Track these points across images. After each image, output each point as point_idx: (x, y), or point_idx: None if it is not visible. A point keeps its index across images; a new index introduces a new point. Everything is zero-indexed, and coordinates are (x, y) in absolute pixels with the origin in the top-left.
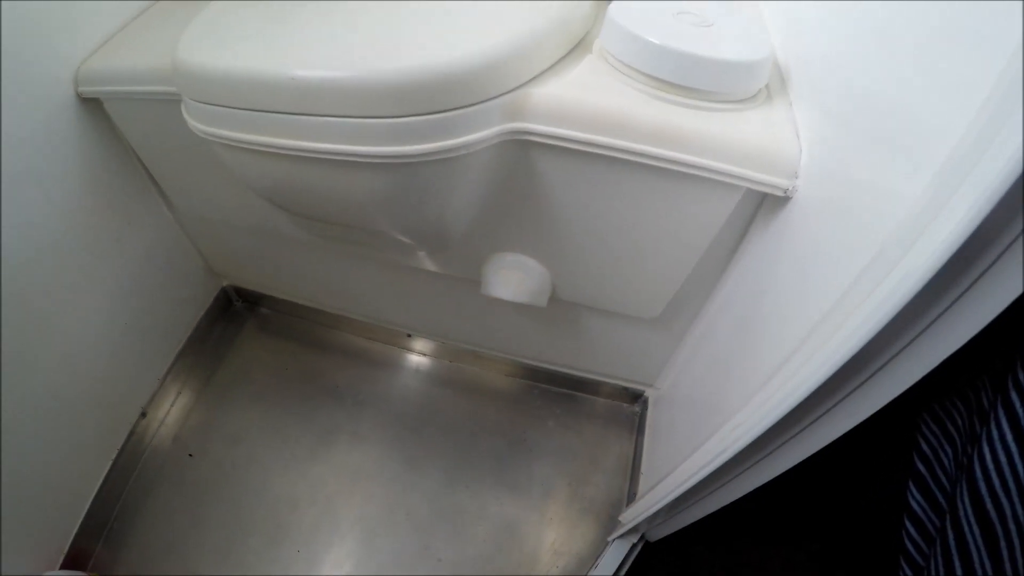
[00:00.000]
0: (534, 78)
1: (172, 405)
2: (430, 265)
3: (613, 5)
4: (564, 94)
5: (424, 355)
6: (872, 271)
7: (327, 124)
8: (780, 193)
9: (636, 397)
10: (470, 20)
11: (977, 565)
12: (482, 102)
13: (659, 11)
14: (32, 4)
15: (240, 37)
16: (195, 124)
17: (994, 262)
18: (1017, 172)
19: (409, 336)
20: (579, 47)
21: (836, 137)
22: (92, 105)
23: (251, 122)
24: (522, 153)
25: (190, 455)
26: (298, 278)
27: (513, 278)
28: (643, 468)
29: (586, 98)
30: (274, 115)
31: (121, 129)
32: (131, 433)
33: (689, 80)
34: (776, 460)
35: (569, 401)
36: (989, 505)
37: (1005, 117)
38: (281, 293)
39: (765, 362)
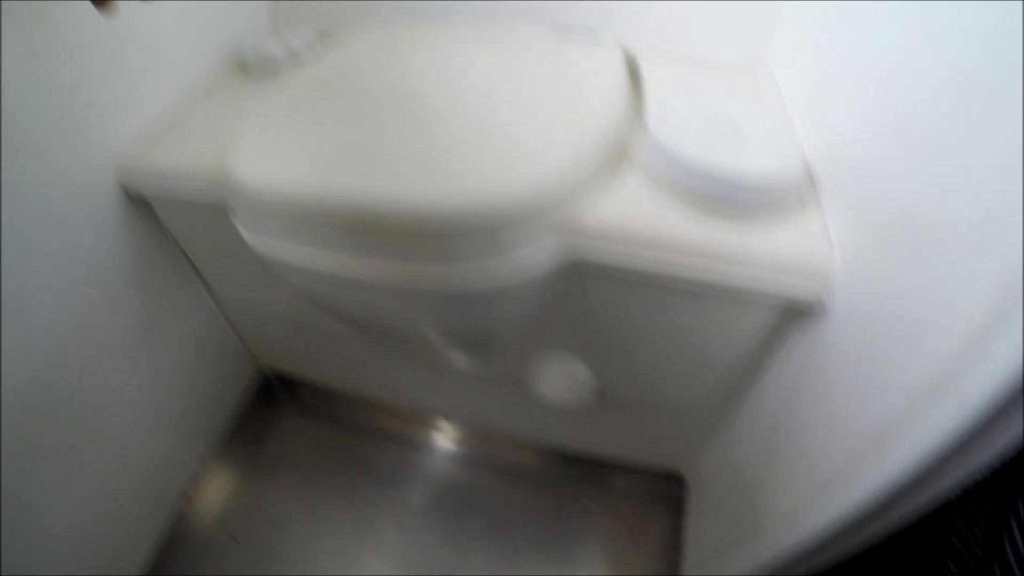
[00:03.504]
0: (581, 196)
1: (214, 488)
2: (475, 367)
3: (651, 114)
4: (611, 213)
5: (464, 440)
6: (921, 402)
7: (383, 245)
8: (813, 305)
9: (673, 479)
10: (522, 141)
11: None
12: (534, 226)
13: (692, 118)
14: (73, 98)
15: (294, 154)
16: (250, 238)
17: None
18: None
19: (448, 422)
20: (617, 149)
21: (871, 246)
22: (137, 198)
23: (306, 241)
24: (570, 270)
25: (233, 538)
26: (338, 365)
27: (559, 380)
28: (687, 551)
29: (630, 217)
30: (330, 236)
31: (166, 224)
32: (174, 516)
33: (723, 196)
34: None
35: (606, 482)
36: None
37: None
38: (321, 378)
39: (804, 478)
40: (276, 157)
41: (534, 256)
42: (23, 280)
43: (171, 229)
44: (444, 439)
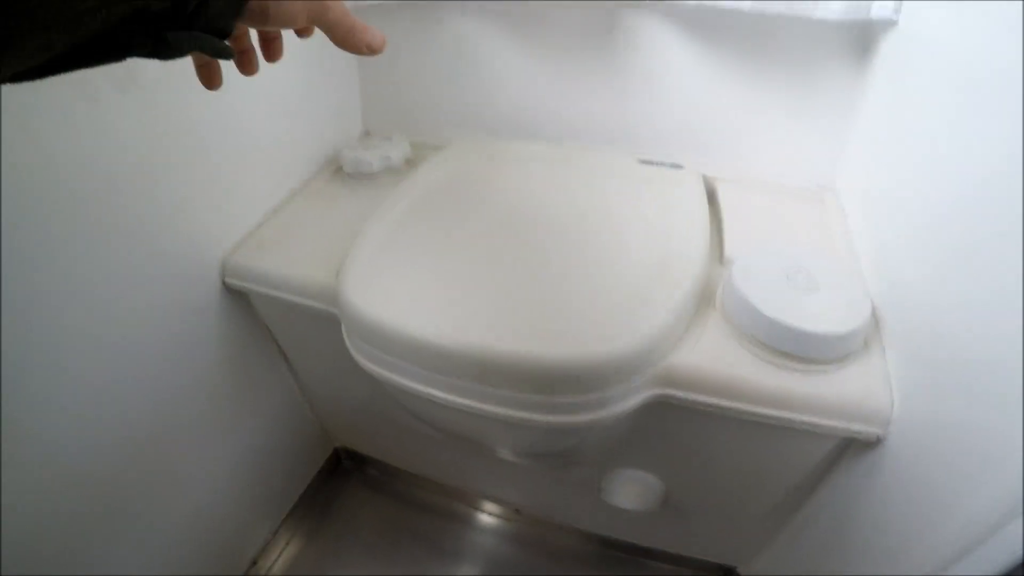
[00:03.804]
0: (675, 348)
1: (280, 556)
2: (547, 471)
3: (736, 267)
4: (696, 363)
5: (528, 527)
6: (971, 546)
7: (492, 389)
8: (872, 440)
9: (723, 569)
10: (628, 294)
11: None
12: (632, 379)
13: (770, 270)
14: (182, 197)
15: (414, 294)
16: (362, 361)
17: None
18: None
19: (517, 512)
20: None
21: (929, 388)
22: (237, 294)
23: (418, 375)
24: (652, 403)
25: None
26: (409, 450)
27: (628, 487)
28: None
29: (713, 367)
30: (442, 375)
31: (260, 314)
32: None
33: (797, 350)
34: None
35: (653, 567)
36: None
37: None
38: (389, 458)
39: None
40: (396, 295)
41: (627, 400)
42: (123, 355)
43: (264, 319)
44: (510, 525)
